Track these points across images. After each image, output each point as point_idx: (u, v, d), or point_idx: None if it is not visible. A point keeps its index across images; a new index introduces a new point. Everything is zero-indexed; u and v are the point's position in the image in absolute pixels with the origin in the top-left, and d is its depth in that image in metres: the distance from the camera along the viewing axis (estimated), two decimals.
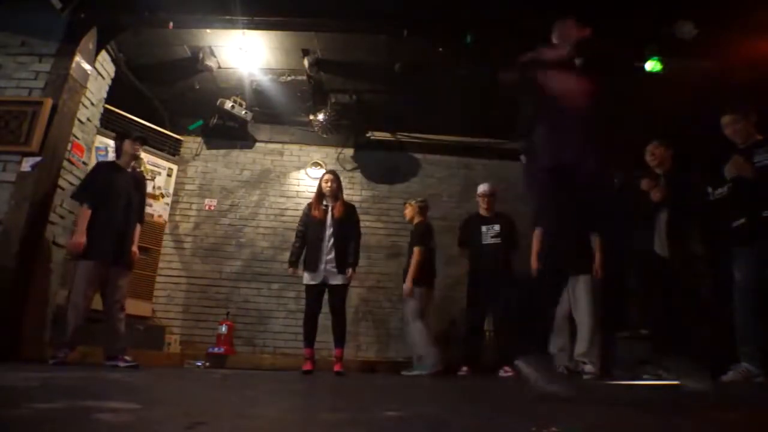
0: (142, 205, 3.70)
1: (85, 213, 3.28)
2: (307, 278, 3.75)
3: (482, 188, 4.49)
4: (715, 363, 3.15)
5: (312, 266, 3.72)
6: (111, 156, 4.73)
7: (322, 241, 3.74)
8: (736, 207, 3.02)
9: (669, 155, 3.58)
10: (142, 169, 5.14)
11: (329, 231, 3.76)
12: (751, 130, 3.08)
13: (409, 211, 4.61)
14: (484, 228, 4.33)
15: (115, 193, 3.39)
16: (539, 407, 1.47)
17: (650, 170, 3.56)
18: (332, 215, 3.80)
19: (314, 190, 4.02)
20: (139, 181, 3.70)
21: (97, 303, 3.39)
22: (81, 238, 3.21)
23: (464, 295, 4.45)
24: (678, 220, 3.39)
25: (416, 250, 4.25)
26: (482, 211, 4.45)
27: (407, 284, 4.18)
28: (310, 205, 3.94)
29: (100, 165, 3.68)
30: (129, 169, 3.61)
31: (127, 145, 3.55)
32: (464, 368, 4.15)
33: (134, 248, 3.52)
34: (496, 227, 4.31)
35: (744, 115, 3.09)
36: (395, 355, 5.11)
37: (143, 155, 5.11)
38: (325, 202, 3.87)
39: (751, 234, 2.92)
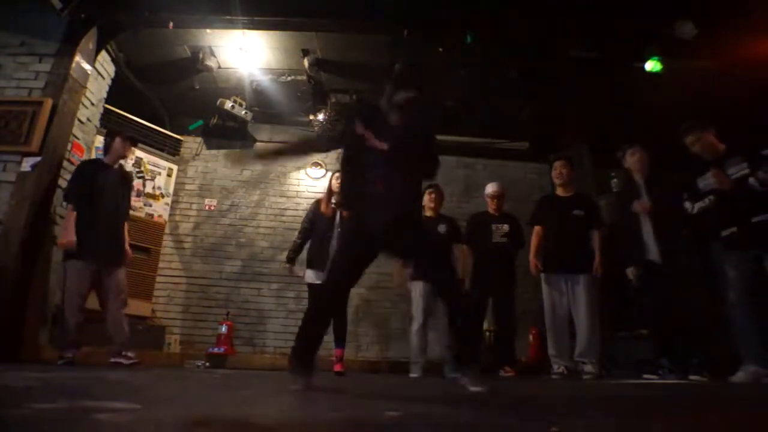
0: (127, 202, 3.66)
1: (71, 213, 3.31)
2: (311, 277, 3.67)
3: (491, 188, 4.39)
4: (722, 363, 3.13)
5: (319, 265, 3.63)
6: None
7: (330, 239, 3.69)
8: (723, 217, 3.03)
9: (648, 160, 3.58)
10: (143, 169, 5.13)
11: (338, 230, 3.71)
12: (714, 141, 3.15)
13: None
14: (493, 227, 4.28)
15: (101, 191, 3.38)
16: (540, 408, 1.47)
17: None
18: (341, 214, 3.77)
19: (314, 190, 4.01)
20: (125, 178, 3.66)
21: (96, 303, 3.39)
22: (71, 237, 3.24)
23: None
24: (665, 224, 3.39)
25: None
26: (491, 210, 4.41)
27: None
28: (318, 201, 3.88)
29: (84, 164, 3.62)
30: (116, 166, 3.58)
31: (117, 143, 3.54)
32: None
33: (126, 246, 3.53)
34: (505, 227, 4.26)
35: (702, 130, 3.16)
36: (395, 355, 5.11)
37: (144, 155, 5.12)
38: (335, 200, 3.83)
39: (744, 240, 2.92)
